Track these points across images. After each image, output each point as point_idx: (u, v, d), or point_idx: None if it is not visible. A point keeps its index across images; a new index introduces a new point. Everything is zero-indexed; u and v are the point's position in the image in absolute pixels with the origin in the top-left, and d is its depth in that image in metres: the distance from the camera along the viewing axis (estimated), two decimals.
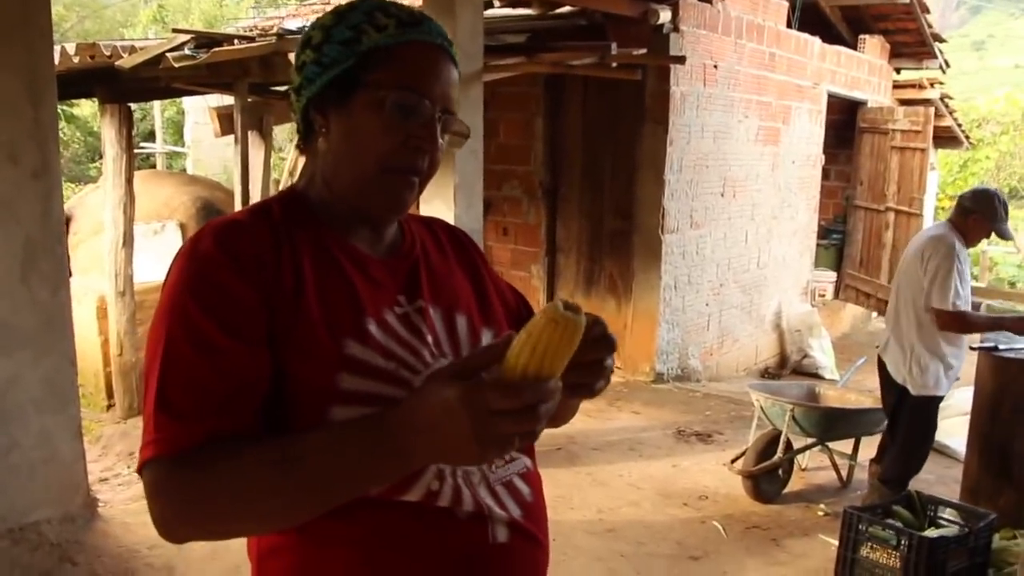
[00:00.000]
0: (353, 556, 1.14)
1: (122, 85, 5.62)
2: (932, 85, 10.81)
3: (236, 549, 3.91)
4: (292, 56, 4.68)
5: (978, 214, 4.23)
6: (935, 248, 4.19)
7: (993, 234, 4.37)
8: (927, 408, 4.37)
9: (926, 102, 10.49)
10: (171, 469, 1.06)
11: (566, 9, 6.27)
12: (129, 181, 5.75)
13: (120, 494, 4.55)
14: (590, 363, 1.11)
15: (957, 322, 4.16)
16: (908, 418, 4.40)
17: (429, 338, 1.24)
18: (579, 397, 1.15)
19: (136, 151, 7.53)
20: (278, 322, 1.13)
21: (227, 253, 1.14)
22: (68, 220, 4.52)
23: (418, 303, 1.27)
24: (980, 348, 4.35)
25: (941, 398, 4.42)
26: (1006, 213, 4.29)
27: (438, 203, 4.50)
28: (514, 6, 6.29)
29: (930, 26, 9.93)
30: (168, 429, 1.07)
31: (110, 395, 5.94)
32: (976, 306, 4.51)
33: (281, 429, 1.12)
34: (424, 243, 1.36)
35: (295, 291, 1.16)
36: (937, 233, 4.31)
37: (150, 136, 15.81)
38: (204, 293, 1.11)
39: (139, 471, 1.10)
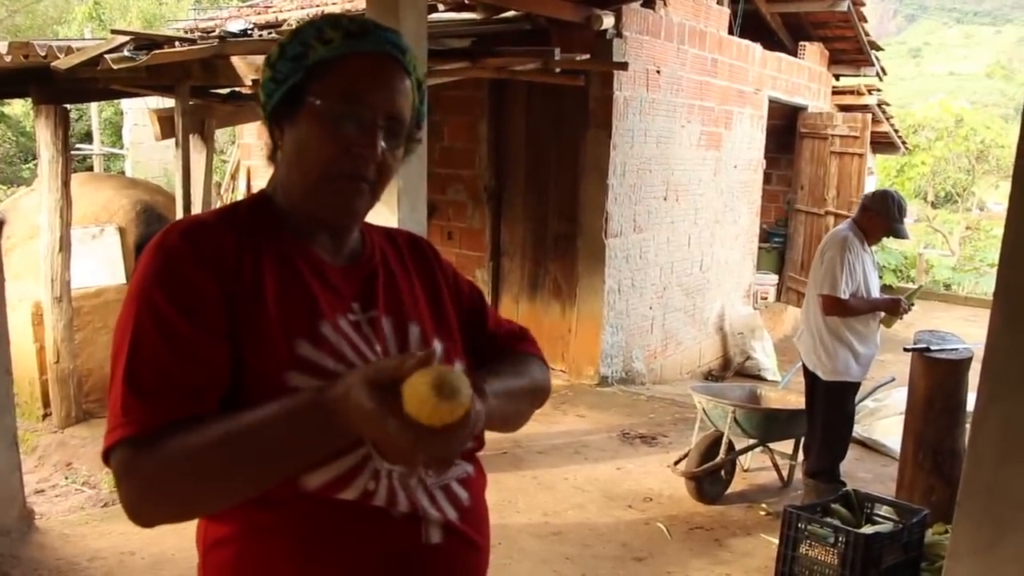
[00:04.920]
0: (291, 549, 1.19)
1: (58, 86, 5.48)
2: (870, 91, 11.08)
3: (179, 559, 3.87)
4: (234, 59, 4.63)
5: (874, 212, 4.54)
6: (831, 242, 4.55)
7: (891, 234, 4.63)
8: (839, 393, 4.58)
9: (864, 108, 10.77)
10: (137, 450, 1.11)
11: (510, 14, 6.28)
12: (66, 184, 5.62)
13: (58, 505, 4.45)
14: None
15: (837, 307, 4.45)
16: (822, 404, 4.61)
17: (378, 347, 1.29)
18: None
19: (72, 152, 7.34)
20: (237, 316, 1.19)
21: (192, 246, 1.20)
22: (1, 224, 4.40)
23: (371, 312, 1.32)
24: (913, 349, 4.48)
25: (854, 385, 4.62)
26: (901, 214, 4.56)
27: (381, 207, 4.40)
28: (458, 10, 6.28)
29: (867, 34, 10.17)
30: (136, 411, 1.12)
31: (46, 404, 5.79)
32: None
33: None
34: (385, 253, 1.41)
35: (254, 290, 1.21)
36: (838, 229, 4.66)
37: (87, 137, 15.37)
38: (170, 284, 1.17)
39: (105, 457, 1.15)
